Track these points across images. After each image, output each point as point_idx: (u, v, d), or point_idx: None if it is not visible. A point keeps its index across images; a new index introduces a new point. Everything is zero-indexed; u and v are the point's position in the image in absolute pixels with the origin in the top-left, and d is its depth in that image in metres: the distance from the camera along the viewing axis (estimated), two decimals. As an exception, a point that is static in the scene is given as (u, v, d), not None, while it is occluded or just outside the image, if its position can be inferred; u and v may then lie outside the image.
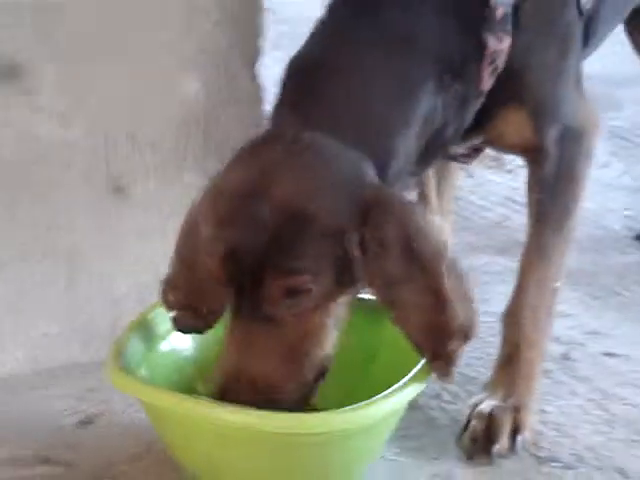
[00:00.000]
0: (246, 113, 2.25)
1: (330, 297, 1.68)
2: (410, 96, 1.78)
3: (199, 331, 1.85)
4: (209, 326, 1.83)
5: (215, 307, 1.81)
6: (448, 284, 1.67)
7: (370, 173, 1.69)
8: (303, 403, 1.75)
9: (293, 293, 1.67)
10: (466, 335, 1.71)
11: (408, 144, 1.78)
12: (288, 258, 1.65)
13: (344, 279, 1.68)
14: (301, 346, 1.73)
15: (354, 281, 1.69)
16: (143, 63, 2.15)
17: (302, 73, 1.81)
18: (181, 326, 1.85)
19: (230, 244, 1.68)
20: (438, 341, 1.70)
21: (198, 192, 1.80)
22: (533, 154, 1.97)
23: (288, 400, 1.72)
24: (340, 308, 1.73)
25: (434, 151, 1.88)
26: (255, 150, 1.75)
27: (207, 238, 1.71)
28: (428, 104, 1.78)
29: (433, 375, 1.77)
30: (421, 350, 1.71)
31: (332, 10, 1.87)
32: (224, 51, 2.20)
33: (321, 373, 1.76)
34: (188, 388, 1.85)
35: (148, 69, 2.15)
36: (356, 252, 1.64)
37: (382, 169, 1.72)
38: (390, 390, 1.74)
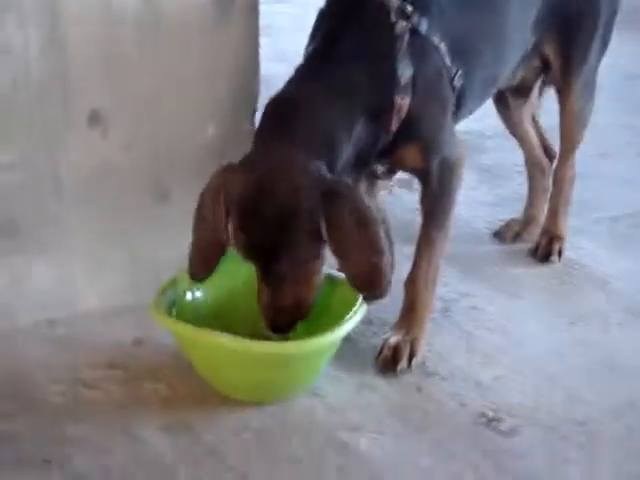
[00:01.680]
0: (245, 147, 2.20)
1: (314, 258, 1.88)
2: (347, 125, 1.91)
3: (203, 279, 2.00)
4: (208, 275, 1.98)
5: (212, 264, 1.96)
6: (382, 241, 1.84)
7: (323, 170, 1.84)
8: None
9: (291, 263, 1.85)
10: (390, 273, 1.90)
11: (346, 154, 1.91)
12: (286, 242, 1.82)
13: (321, 244, 1.85)
14: (303, 287, 1.91)
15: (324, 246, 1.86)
16: (184, 117, 2.23)
17: (277, 107, 1.94)
18: (193, 275, 1.99)
19: (249, 237, 1.85)
20: (373, 278, 1.87)
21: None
22: (423, 175, 2.13)
23: (304, 316, 1.94)
24: (321, 262, 1.91)
25: (361, 162, 2.01)
26: (250, 162, 1.89)
27: (234, 231, 1.86)
28: (358, 132, 1.93)
29: (361, 315, 1.93)
30: (360, 287, 1.90)
31: (300, 66, 2.02)
32: (233, 109, 2.29)
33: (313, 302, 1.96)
34: (201, 322, 1.92)
35: (187, 120, 2.23)
36: (322, 225, 1.81)
37: (331, 169, 1.86)
38: (332, 329, 1.89)
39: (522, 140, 2.79)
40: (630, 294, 2.45)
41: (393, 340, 2.08)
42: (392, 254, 1.92)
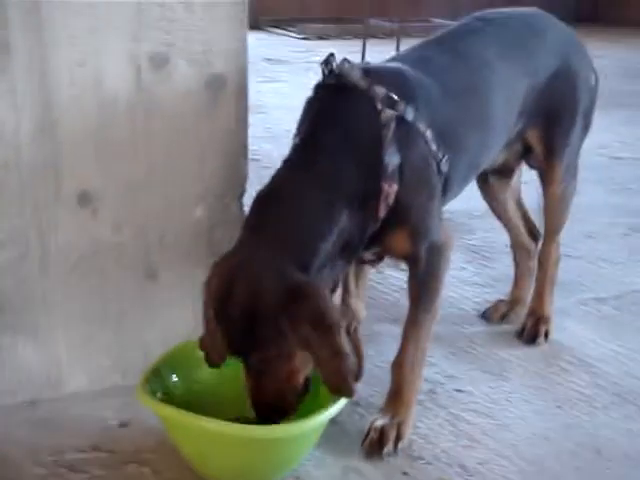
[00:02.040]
0: (234, 228, 2.21)
1: (287, 355, 1.86)
2: (329, 218, 1.91)
3: (218, 365, 1.99)
4: (223, 361, 1.97)
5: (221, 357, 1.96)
6: (344, 345, 1.82)
7: (290, 270, 1.84)
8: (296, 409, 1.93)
9: (264, 359, 1.86)
10: (356, 377, 1.87)
11: (328, 248, 1.90)
12: (254, 340, 1.84)
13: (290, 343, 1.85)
14: (279, 383, 1.90)
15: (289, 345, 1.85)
16: (174, 198, 2.24)
17: (260, 206, 1.96)
18: (208, 362, 1.98)
19: (224, 333, 1.87)
20: (337, 380, 1.83)
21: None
22: (411, 260, 2.12)
23: (288, 409, 1.92)
24: (300, 358, 1.88)
25: (347, 254, 1.99)
26: (228, 263, 1.91)
27: (209, 329, 1.93)
28: (343, 223, 1.93)
29: (345, 403, 1.92)
30: (328, 386, 1.86)
31: (287, 157, 2.03)
32: (222, 191, 2.30)
33: (301, 394, 1.94)
34: (188, 406, 1.91)
35: (176, 201, 2.25)
36: (285, 327, 1.81)
37: (307, 266, 1.86)
38: (317, 414, 1.89)
39: (507, 222, 2.82)
40: (616, 377, 2.45)
41: (379, 423, 2.08)
42: (360, 355, 1.91)
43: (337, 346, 1.81)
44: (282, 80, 6.19)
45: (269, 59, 7.21)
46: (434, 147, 2.08)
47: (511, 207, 2.78)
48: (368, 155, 1.98)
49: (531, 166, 2.67)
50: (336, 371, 1.83)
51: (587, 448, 2.11)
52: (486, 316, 2.80)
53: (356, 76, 2.03)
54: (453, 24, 2.45)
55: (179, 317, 2.27)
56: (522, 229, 2.81)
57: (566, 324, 2.75)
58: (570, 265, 3.14)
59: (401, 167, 1.99)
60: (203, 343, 1.97)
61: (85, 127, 2.11)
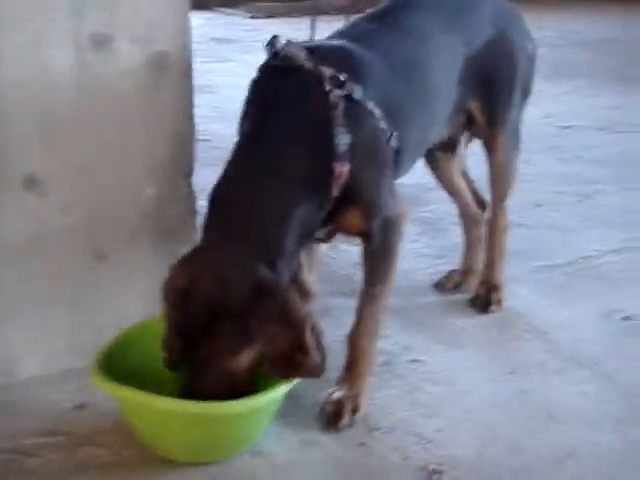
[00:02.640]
0: (183, 208, 2.32)
1: (238, 351, 1.86)
2: (285, 205, 1.93)
3: (174, 368, 1.94)
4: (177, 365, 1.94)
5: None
6: (309, 338, 1.85)
7: (258, 268, 1.85)
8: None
9: (214, 354, 1.85)
10: (319, 369, 1.90)
11: (287, 234, 1.92)
12: (211, 334, 1.84)
13: (248, 338, 1.85)
14: (221, 378, 1.88)
15: (253, 342, 1.85)
16: (122, 178, 2.23)
17: (217, 203, 1.96)
18: (167, 365, 1.94)
19: (175, 325, 1.88)
20: (303, 371, 1.88)
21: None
22: (365, 236, 2.13)
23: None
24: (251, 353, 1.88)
25: (306, 238, 2.02)
26: (189, 263, 1.90)
27: (165, 325, 1.92)
28: (300, 212, 1.94)
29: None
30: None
31: (237, 146, 2.03)
32: (170, 171, 2.29)
33: (243, 390, 1.90)
34: (141, 385, 1.90)
35: (125, 181, 2.23)
36: (251, 326, 1.83)
37: (272, 262, 1.88)
38: (273, 388, 1.90)
39: (454, 194, 2.83)
40: (568, 343, 2.47)
41: (336, 396, 2.09)
42: (322, 348, 1.91)
43: (303, 342, 1.84)
44: (231, 60, 6.17)
45: (217, 39, 7.19)
46: (383, 124, 2.09)
47: (457, 179, 2.80)
48: (318, 137, 1.98)
49: (475, 136, 2.69)
50: (299, 367, 1.86)
51: (541, 412, 2.14)
52: (439, 286, 2.82)
53: (302, 57, 2.02)
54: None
55: (131, 298, 2.26)
56: (469, 199, 2.83)
57: (519, 292, 2.76)
58: (521, 234, 3.14)
59: (352, 146, 1.99)
60: (163, 344, 1.94)
61: (30, 109, 2.10)
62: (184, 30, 2.23)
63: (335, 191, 2.00)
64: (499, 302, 2.66)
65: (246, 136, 2.04)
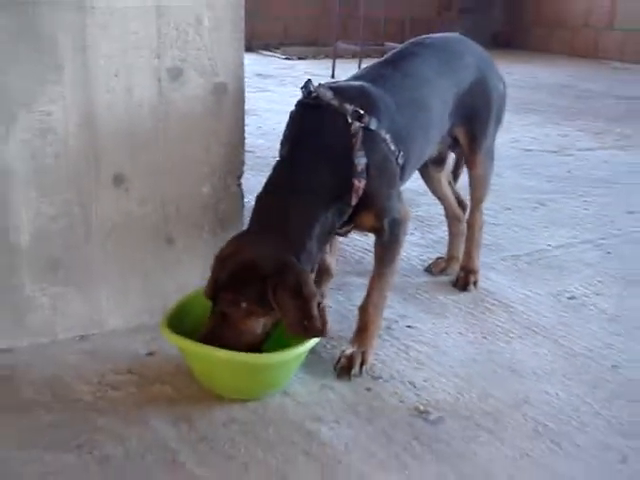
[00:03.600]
0: (233, 203, 2.31)
1: (257, 312, 1.87)
2: (313, 212, 1.95)
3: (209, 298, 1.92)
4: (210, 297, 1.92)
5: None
6: (314, 309, 1.84)
7: (286, 254, 1.87)
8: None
9: (235, 304, 1.86)
10: (322, 330, 1.87)
11: (312, 233, 1.94)
12: (233, 289, 1.85)
13: (264, 304, 1.85)
14: (238, 331, 1.89)
15: (270, 307, 1.86)
16: (187, 179, 2.24)
17: (260, 205, 1.98)
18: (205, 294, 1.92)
19: (212, 280, 1.89)
20: (306, 334, 1.87)
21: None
22: (377, 231, 2.12)
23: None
24: (265, 319, 1.89)
25: (327, 236, 2.04)
26: (235, 239, 1.95)
27: (209, 278, 1.92)
28: (322, 218, 1.96)
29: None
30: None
31: (279, 162, 2.04)
32: (224, 174, 2.29)
33: (257, 342, 1.91)
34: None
35: (188, 181, 2.24)
36: (270, 291, 1.82)
37: (300, 246, 1.91)
38: (300, 345, 1.90)
39: (441, 198, 2.81)
40: (527, 315, 2.46)
41: (348, 352, 2.08)
42: (324, 318, 1.88)
43: (309, 312, 1.83)
44: (270, 90, 6.14)
45: (260, 74, 7.17)
46: (393, 147, 2.09)
47: (444, 186, 2.77)
48: (341, 159, 1.99)
49: (458, 154, 2.70)
50: (305, 330, 1.85)
51: (505, 368, 2.13)
52: (429, 270, 2.79)
53: (329, 96, 2.03)
54: (399, 46, 2.45)
55: (191, 272, 2.25)
56: (453, 202, 2.80)
57: (490, 275, 2.75)
58: (493, 231, 3.16)
59: (367, 166, 2.00)
60: (205, 288, 1.93)
61: (118, 125, 2.10)
62: (239, 66, 2.23)
63: (354, 200, 2.01)
64: (475, 283, 2.65)
65: (284, 157, 2.05)
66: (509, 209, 3.54)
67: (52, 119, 2.02)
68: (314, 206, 1.95)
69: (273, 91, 6.17)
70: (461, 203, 2.81)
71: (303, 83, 2.09)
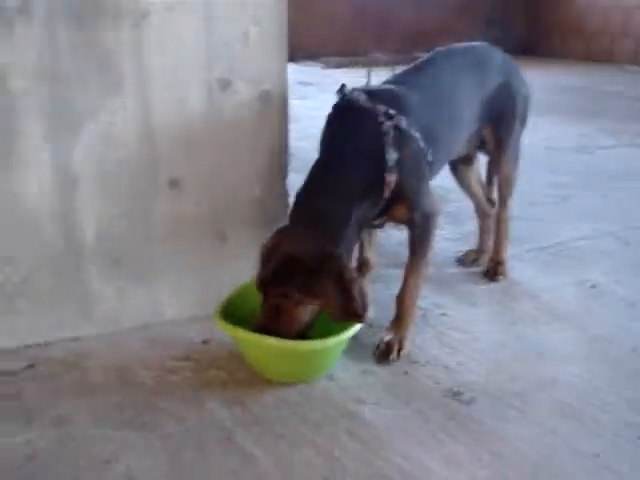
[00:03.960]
0: (280, 202, 2.29)
1: (304, 300, 1.85)
2: (349, 207, 1.93)
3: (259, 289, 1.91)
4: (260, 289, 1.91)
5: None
6: (356, 294, 1.83)
7: (327, 244, 1.85)
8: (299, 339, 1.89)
9: (284, 295, 1.84)
10: (363, 314, 1.86)
11: (348, 226, 1.92)
12: (282, 281, 1.84)
13: (311, 293, 1.84)
14: (290, 320, 1.87)
15: (316, 295, 1.85)
16: (237, 180, 2.23)
17: (300, 200, 1.96)
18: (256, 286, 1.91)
19: (260, 273, 1.88)
20: (349, 316, 1.85)
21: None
22: (410, 224, 2.10)
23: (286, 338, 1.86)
24: (312, 306, 1.88)
25: (362, 226, 2.02)
26: (279, 233, 1.92)
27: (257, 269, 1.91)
28: (358, 207, 1.95)
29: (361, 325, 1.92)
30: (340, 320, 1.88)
31: (316, 164, 2.01)
32: (271, 175, 2.28)
33: (305, 329, 1.89)
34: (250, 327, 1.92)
35: (239, 183, 2.23)
36: (315, 280, 1.82)
37: (338, 239, 1.89)
38: (342, 332, 1.89)
39: (471, 195, 2.78)
40: (552, 302, 2.43)
41: (387, 338, 2.07)
42: (365, 303, 1.86)
43: (351, 296, 1.82)
44: (310, 97, 6.15)
45: (301, 82, 7.16)
46: (422, 144, 2.07)
47: (474, 184, 2.74)
48: (375, 155, 1.97)
49: (486, 153, 2.65)
50: (347, 314, 1.84)
51: (532, 352, 2.10)
52: (461, 261, 2.77)
53: (362, 99, 2.02)
54: (426, 55, 2.41)
55: (243, 266, 2.22)
56: (482, 198, 2.77)
57: (518, 266, 2.71)
58: (520, 225, 3.09)
59: (398, 162, 1.98)
60: (255, 280, 1.92)
61: (173, 132, 2.10)
62: (282, 75, 2.21)
63: (387, 193, 1.99)
64: (503, 274, 2.61)
65: (321, 156, 2.02)
66: (534, 204, 3.48)
67: (115, 128, 2.03)
68: (350, 199, 1.93)
69: (313, 98, 6.16)
70: (490, 199, 2.77)
71: (338, 88, 2.08)
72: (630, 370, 2.01)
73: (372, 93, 2.07)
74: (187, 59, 2.07)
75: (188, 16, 2.04)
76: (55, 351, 2.06)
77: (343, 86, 2.08)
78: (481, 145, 2.56)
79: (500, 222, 2.67)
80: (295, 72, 7.87)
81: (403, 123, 2.01)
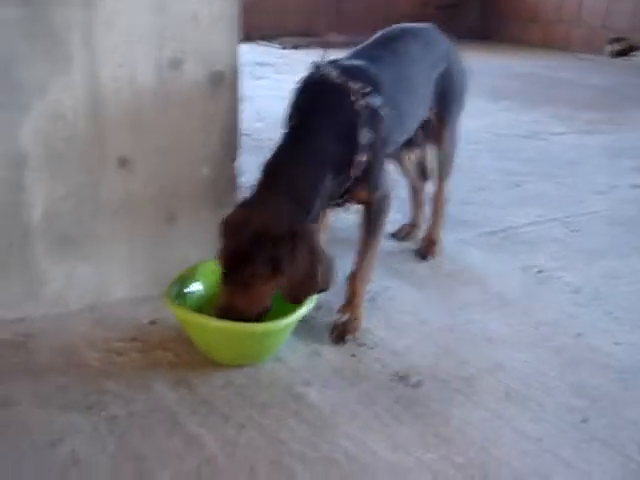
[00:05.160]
0: (229, 183, 2.27)
1: (271, 277, 1.80)
2: (319, 180, 1.89)
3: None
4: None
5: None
6: (320, 266, 1.81)
7: (294, 214, 1.81)
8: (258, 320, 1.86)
9: (250, 274, 1.79)
10: (326, 287, 1.86)
11: (317, 201, 1.88)
12: (250, 258, 1.77)
13: (278, 269, 1.79)
14: (255, 299, 1.83)
15: (282, 270, 1.79)
16: (187, 161, 2.20)
17: (267, 171, 1.89)
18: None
19: (226, 250, 1.81)
20: (303, 296, 1.86)
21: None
22: (367, 204, 2.09)
23: (250, 319, 1.83)
24: (275, 284, 1.83)
25: (331, 199, 1.99)
26: (244, 206, 1.86)
27: (219, 245, 1.84)
28: (327, 183, 1.91)
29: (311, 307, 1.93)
30: (290, 300, 1.86)
31: (286, 134, 1.96)
32: (221, 156, 2.25)
33: (265, 309, 1.86)
34: (197, 308, 1.96)
35: (189, 163, 2.21)
36: (283, 252, 1.76)
37: (307, 213, 1.85)
38: (291, 314, 1.89)
39: (405, 170, 2.80)
40: (498, 287, 2.45)
41: (342, 320, 2.08)
42: (329, 280, 1.86)
43: (316, 267, 1.80)
44: (267, 77, 6.09)
45: (258, 62, 7.10)
46: (392, 124, 2.07)
47: (407, 160, 2.77)
48: (347, 134, 1.94)
49: (427, 134, 2.65)
50: (308, 287, 1.83)
51: (480, 337, 2.12)
52: (395, 236, 2.80)
53: (335, 74, 1.99)
54: (380, 32, 2.41)
55: (192, 248, 2.22)
56: (414, 175, 2.80)
57: (467, 250, 2.74)
58: (470, 209, 3.15)
59: (371, 142, 1.96)
60: (218, 258, 1.86)
61: (123, 111, 2.07)
62: (234, 56, 2.18)
63: (354, 172, 1.97)
64: (435, 253, 2.65)
65: (292, 128, 1.96)
66: (484, 189, 3.51)
67: (63, 106, 2.00)
68: (320, 174, 1.89)
69: (269, 78, 6.11)
70: (423, 174, 2.79)
71: (312, 62, 2.05)
72: (574, 355, 2.04)
73: (344, 68, 2.04)
74: (137, 37, 2.04)
75: (139, -7, 2.02)
76: (0, 331, 2.02)
77: (316, 62, 2.05)
78: (422, 124, 2.55)
79: (437, 202, 2.70)
80: (251, 52, 7.82)
81: (377, 102, 1.99)
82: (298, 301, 1.86)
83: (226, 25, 2.14)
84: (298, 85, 2.05)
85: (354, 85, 1.97)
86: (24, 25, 1.90)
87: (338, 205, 2.15)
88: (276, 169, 1.89)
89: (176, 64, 2.10)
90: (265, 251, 1.76)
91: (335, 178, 1.93)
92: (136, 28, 2.03)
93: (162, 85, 2.10)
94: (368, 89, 1.98)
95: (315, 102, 1.99)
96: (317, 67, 2.03)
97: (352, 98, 1.95)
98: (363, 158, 1.95)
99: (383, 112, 2.01)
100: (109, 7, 1.99)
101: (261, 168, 1.91)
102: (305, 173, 1.88)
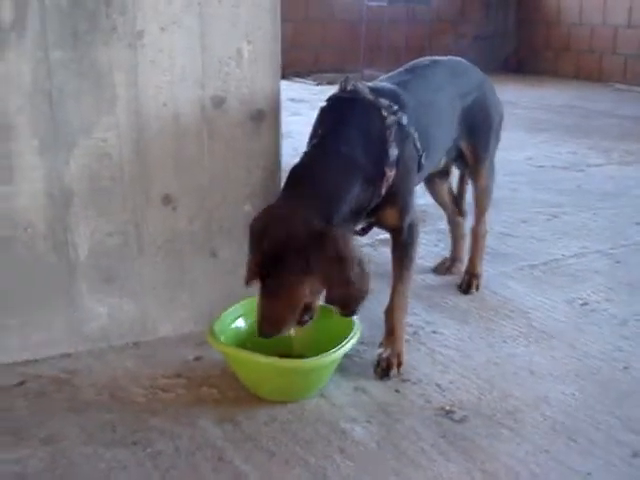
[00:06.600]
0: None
1: (303, 283, 1.78)
2: (348, 190, 1.86)
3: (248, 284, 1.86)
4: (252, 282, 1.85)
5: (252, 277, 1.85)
6: (354, 275, 1.77)
7: (321, 222, 1.77)
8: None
9: (283, 282, 1.77)
10: (362, 298, 1.83)
11: (344, 210, 1.85)
12: (279, 266, 1.76)
13: (309, 272, 1.77)
14: (289, 305, 1.81)
15: (312, 270, 1.76)
16: (229, 198, 2.22)
17: (295, 175, 1.89)
18: (245, 282, 1.87)
19: (254, 260, 1.81)
20: (349, 301, 1.82)
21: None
22: (396, 231, 2.07)
23: (288, 329, 1.85)
24: (312, 289, 1.81)
25: (356, 216, 1.93)
26: (270, 211, 1.85)
27: (248, 255, 1.85)
28: (356, 194, 1.88)
29: (354, 343, 1.91)
30: (339, 308, 1.84)
31: (316, 143, 1.96)
32: (262, 192, 2.25)
33: (309, 315, 1.86)
34: (241, 344, 1.97)
35: (231, 200, 2.23)
36: (312, 261, 1.74)
37: (328, 220, 1.79)
38: (337, 348, 1.89)
39: (444, 205, 2.80)
40: (542, 320, 2.42)
41: (385, 355, 2.05)
42: (367, 283, 1.81)
43: (349, 276, 1.76)
44: (302, 114, 6.15)
45: (293, 99, 7.17)
46: (419, 145, 2.07)
47: (446, 195, 2.77)
48: (376, 147, 1.94)
49: (461, 167, 2.68)
50: (347, 295, 1.80)
51: (524, 369, 2.09)
52: (435, 270, 2.79)
53: (366, 91, 2.01)
54: (410, 63, 2.41)
55: (234, 283, 2.19)
56: (453, 209, 2.80)
57: (509, 284, 2.71)
58: (511, 242, 3.12)
59: (398, 158, 1.96)
60: (246, 268, 1.86)
61: (166, 149, 2.10)
62: (276, 94, 2.21)
63: (383, 189, 1.95)
64: (477, 287, 2.63)
65: (322, 137, 1.95)
66: (525, 222, 3.49)
67: (108, 145, 2.04)
68: (348, 180, 1.87)
69: (305, 114, 6.16)
70: (460, 210, 2.79)
71: (342, 79, 2.06)
72: (622, 389, 2.01)
73: (373, 88, 2.06)
74: (181, 77, 2.08)
75: (182, 35, 2.05)
76: (46, 368, 2.04)
77: (347, 78, 2.05)
78: (456, 158, 2.56)
79: (476, 236, 2.68)
80: (287, 89, 7.89)
81: (404, 120, 2.00)
82: (346, 309, 1.84)
83: (267, 63, 2.17)
84: (328, 98, 2.06)
85: (384, 102, 1.99)
86: (70, 65, 1.96)
87: (365, 231, 2.12)
88: (302, 175, 1.89)
89: (219, 102, 2.14)
90: (294, 251, 1.74)
91: (364, 190, 1.90)
92: (180, 67, 2.07)
93: (205, 123, 2.13)
94: (396, 107, 2.00)
95: (346, 114, 1.98)
96: (348, 82, 2.04)
97: (383, 113, 1.97)
98: (392, 173, 1.94)
99: (411, 130, 2.02)
100: (153, 47, 2.03)
101: (288, 175, 1.91)
102: (333, 178, 1.86)
